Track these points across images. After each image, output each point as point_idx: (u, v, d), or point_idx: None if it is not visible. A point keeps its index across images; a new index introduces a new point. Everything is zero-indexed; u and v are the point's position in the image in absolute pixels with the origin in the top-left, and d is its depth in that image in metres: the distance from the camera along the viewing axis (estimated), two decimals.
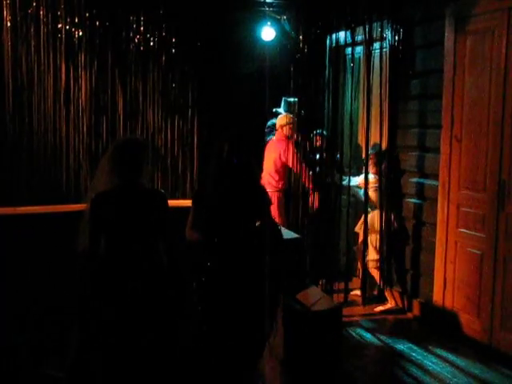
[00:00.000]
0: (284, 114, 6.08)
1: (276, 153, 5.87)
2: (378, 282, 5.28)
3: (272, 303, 3.27)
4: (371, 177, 5.29)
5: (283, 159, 5.80)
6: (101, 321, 2.94)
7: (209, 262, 3.21)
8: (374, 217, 5.28)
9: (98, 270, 2.96)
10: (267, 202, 3.40)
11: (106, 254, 2.99)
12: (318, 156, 5.68)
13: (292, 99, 6.11)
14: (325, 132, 5.70)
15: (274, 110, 6.28)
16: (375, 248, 5.24)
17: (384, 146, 5.23)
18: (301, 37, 5.69)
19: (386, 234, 5.19)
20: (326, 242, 5.50)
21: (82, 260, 2.97)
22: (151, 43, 5.77)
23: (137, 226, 3.00)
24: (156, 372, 3.01)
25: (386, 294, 5.26)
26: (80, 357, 3.01)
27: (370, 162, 5.30)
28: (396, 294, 5.28)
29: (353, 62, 5.53)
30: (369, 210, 5.32)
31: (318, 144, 5.70)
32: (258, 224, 3.29)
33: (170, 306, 3.07)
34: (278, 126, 5.98)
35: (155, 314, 3.01)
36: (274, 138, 6.04)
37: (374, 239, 5.26)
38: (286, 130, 5.90)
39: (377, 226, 5.21)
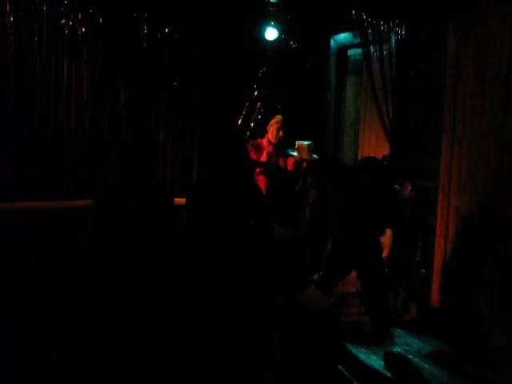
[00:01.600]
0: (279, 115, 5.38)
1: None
2: None
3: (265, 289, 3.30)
4: None
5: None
6: (112, 317, 2.97)
7: (204, 259, 3.23)
8: None
9: (109, 265, 2.98)
10: (262, 201, 3.43)
11: (117, 249, 3.01)
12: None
13: (306, 142, 5.04)
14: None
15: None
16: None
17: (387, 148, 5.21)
18: (303, 37, 5.68)
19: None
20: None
21: (92, 255, 3.00)
22: (156, 41, 5.75)
23: (146, 221, 3.02)
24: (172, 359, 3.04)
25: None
26: (94, 352, 3.03)
27: None
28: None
29: (355, 63, 5.54)
30: None
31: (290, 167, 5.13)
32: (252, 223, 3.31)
33: (178, 300, 3.10)
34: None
35: (164, 308, 3.04)
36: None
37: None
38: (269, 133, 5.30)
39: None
